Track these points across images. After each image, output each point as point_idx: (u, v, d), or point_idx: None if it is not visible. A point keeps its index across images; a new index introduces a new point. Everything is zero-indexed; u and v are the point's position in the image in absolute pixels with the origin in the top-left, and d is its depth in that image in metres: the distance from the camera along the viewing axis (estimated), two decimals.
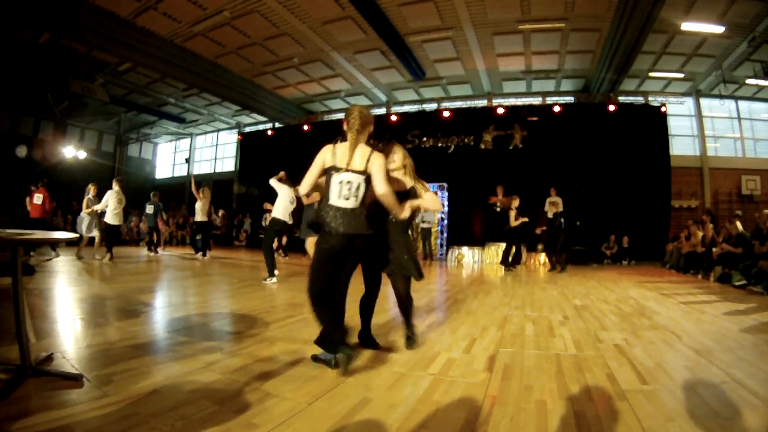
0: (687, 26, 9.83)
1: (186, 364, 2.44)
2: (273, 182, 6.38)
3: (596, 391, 2.20)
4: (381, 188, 2.51)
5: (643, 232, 12.02)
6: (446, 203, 13.07)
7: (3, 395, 1.85)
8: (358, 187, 2.48)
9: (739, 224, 7.87)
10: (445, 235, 13.33)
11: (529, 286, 6.75)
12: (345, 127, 2.57)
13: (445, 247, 13.13)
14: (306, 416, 1.85)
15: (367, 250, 2.61)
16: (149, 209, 10.85)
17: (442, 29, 10.79)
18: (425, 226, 12.30)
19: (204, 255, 9.91)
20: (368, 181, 2.52)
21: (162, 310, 4.05)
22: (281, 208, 6.41)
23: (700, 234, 9.15)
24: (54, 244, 8.52)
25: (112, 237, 8.54)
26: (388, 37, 10.76)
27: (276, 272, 6.34)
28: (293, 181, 6.47)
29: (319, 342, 2.51)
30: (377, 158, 2.53)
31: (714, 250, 8.19)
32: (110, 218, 8.22)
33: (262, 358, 2.61)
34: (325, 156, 2.51)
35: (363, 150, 2.53)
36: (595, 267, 10.81)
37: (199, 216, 10.02)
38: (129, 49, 11.11)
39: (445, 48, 11.79)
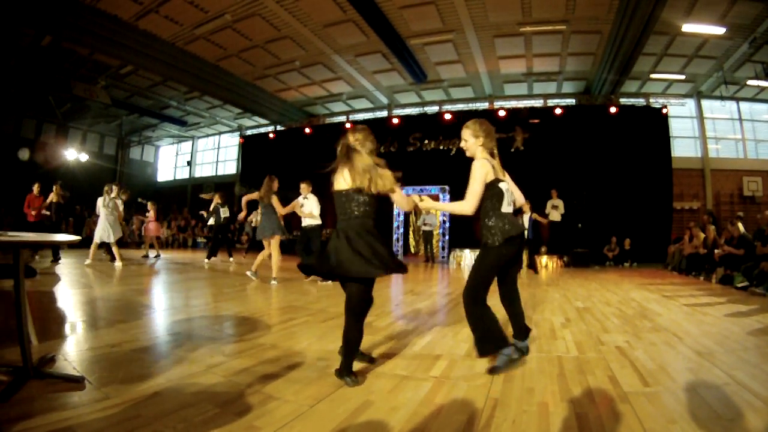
0: (688, 28, 9.84)
1: (187, 367, 2.44)
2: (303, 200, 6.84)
3: (598, 393, 2.20)
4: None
5: (645, 234, 12.00)
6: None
7: (5, 397, 1.85)
8: (511, 194, 2.70)
9: (741, 225, 7.86)
10: (447, 237, 13.33)
11: (531, 289, 6.74)
12: (483, 140, 2.63)
13: (446, 250, 13.12)
14: (308, 419, 1.85)
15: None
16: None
17: (444, 32, 10.81)
18: (426, 228, 12.30)
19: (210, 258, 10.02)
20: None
21: (163, 313, 4.06)
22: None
23: (702, 236, 9.12)
24: (57, 248, 8.50)
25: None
26: (389, 39, 10.79)
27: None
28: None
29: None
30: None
31: (716, 251, 8.16)
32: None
33: (263, 361, 2.61)
34: (488, 170, 2.57)
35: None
36: (597, 269, 10.79)
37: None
38: (131, 52, 11.16)
39: (447, 50, 11.82)
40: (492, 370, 2.50)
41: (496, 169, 2.61)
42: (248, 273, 6.77)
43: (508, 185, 2.67)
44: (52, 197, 8.53)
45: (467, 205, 2.54)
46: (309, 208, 6.83)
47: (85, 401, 1.90)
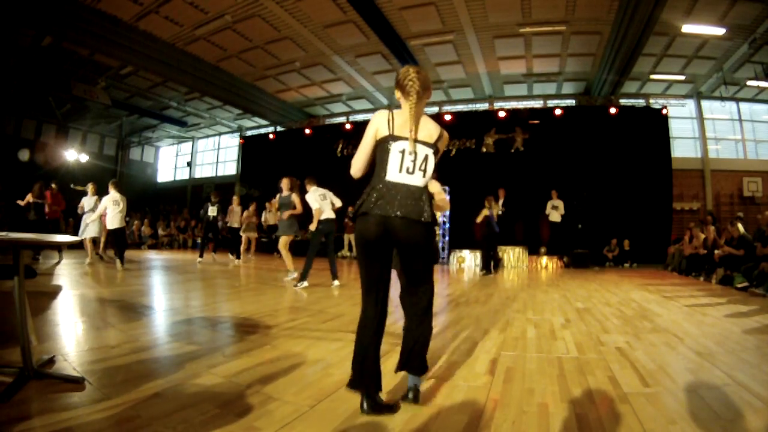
0: (688, 28, 9.85)
1: (188, 367, 2.44)
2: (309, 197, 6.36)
3: (598, 394, 2.20)
4: (434, 178, 2.09)
5: (645, 235, 12.01)
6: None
7: (5, 398, 1.85)
8: (424, 160, 2.02)
9: (741, 226, 7.85)
10: (447, 238, 13.32)
11: (531, 289, 6.74)
12: (398, 93, 2.04)
13: (446, 251, 13.12)
14: (308, 419, 1.85)
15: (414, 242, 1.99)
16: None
17: (444, 33, 10.83)
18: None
19: (238, 258, 10.26)
20: (435, 155, 2.07)
21: (164, 313, 4.06)
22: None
23: (702, 236, 9.12)
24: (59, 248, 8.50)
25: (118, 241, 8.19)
26: (389, 40, 10.80)
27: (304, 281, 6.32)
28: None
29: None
30: (445, 136, 2.12)
31: (716, 252, 8.16)
32: (110, 222, 8.04)
33: (263, 362, 2.61)
34: (378, 124, 2.03)
35: (428, 121, 2.08)
36: (597, 270, 10.79)
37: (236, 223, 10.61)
38: (131, 53, 11.16)
39: (447, 51, 11.83)
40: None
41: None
42: (288, 274, 6.65)
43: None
44: (29, 198, 8.60)
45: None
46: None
47: (85, 402, 1.89)
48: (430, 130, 2.06)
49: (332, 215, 6.31)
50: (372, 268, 2.00)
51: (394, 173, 1.98)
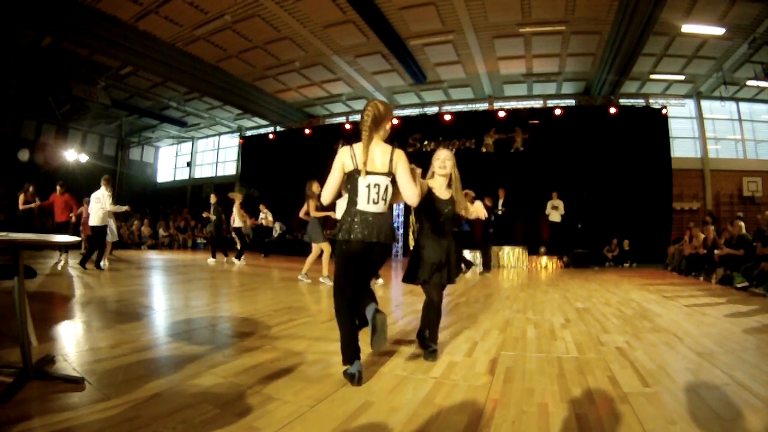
0: (687, 28, 9.84)
1: (187, 368, 2.44)
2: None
3: (598, 394, 2.20)
4: (411, 190, 2.35)
5: (645, 235, 12.01)
6: None
7: (5, 398, 1.85)
8: (385, 190, 2.35)
9: (742, 224, 7.85)
10: None
11: (531, 290, 6.75)
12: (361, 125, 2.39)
13: None
14: (307, 420, 1.85)
15: (382, 259, 2.48)
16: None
17: (443, 33, 10.82)
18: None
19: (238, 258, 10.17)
20: (394, 182, 2.38)
21: (163, 313, 4.06)
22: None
23: (701, 236, 9.13)
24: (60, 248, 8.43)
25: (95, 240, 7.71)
26: (389, 40, 10.79)
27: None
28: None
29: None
30: (401, 157, 2.37)
31: (716, 252, 8.17)
32: (91, 219, 7.75)
33: (263, 362, 2.61)
34: (344, 159, 2.34)
35: (383, 148, 2.37)
36: (597, 270, 10.79)
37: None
38: (130, 53, 11.15)
39: (446, 51, 11.82)
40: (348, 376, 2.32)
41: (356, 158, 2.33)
42: (300, 276, 6.82)
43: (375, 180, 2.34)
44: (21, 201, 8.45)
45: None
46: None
47: (85, 402, 1.89)
48: (384, 161, 2.36)
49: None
50: (348, 273, 2.39)
51: (363, 204, 2.33)
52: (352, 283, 2.39)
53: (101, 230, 7.64)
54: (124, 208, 8.33)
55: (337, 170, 2.35)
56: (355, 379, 2.26)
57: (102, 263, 7.54)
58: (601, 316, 4.43)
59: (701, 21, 9.57)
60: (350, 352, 2.32)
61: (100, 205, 7.55)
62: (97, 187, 7.63)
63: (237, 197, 10.36)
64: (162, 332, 3.32)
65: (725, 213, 12.95)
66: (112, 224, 8.55)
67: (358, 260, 2.36)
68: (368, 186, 2.31)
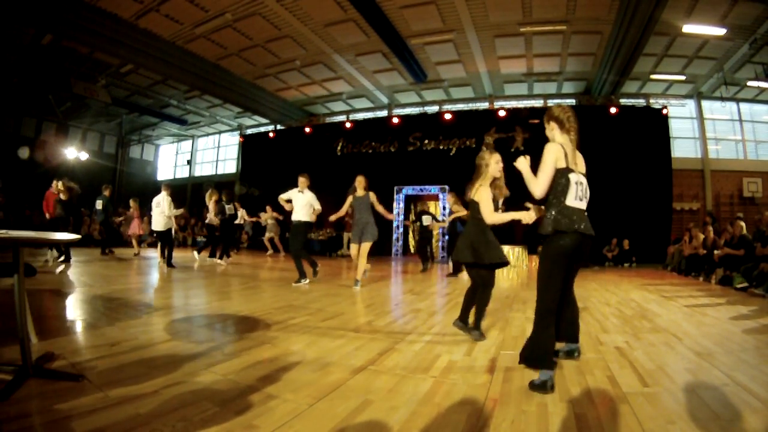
0: (688, 28, 9.84)
1: (187, 366, 2.44)
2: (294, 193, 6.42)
3: (597, 394, 2.20)
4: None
5: (645, 235, 12.00)
6: (448, 206, 13.09)
7: (4, 395, 1.85)
8: (586, 190, 2.56)
9: (743, 224, 7.85)
10: (447, 237, 13.32)
11: (530, 289, 6.74)
12: (559, 128, 2.55)
13: (446, 250, 13.12)
14: (307, 418, 1.85)
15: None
16: (98, 205, 10.08)
17: (444, 32, 10.81)
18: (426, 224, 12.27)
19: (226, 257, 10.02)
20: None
21: (163, 312, 4.05)
22: (302, 211, 6.36)
23: (701, 236, 9.13)
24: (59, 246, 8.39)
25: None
26: (389, 39, 10.79)
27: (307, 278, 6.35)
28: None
29: (528, 360, 2.49)
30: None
31: (716, 252, 8.17)
32: (155, 225, 8.25)
33: (263, 360, 2.61)
34: (558, 155, 2.44)
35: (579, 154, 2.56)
36: (597, 269, 10.79)
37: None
38: (131, 51, 11.15)
39: (447, 50, 11.82)
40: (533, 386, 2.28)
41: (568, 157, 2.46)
42: (355, 284, 6.12)
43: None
44: (61, 195, 8.31)
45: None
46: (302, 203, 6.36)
47: (84, 400, 1.89)
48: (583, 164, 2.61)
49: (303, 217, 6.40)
50: (564, 273, 2.49)
51: (572, 200, 2.49)
52: (564, 282, 2.45)
53: (166, 234, 8.12)
54: (181, 211, 8.40)
55: (550, 166, 2.45)
56: (549, 386, 2.22)
57: (172, 261, 7.96)
58: (600, 315, 4.44)
59: (702, 21, 9.56)
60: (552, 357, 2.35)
61: (160, 210, 7.74)
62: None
63: (214, 195, 10.11)
64: (161, 330, 3.32)
65: (725, 213, 12.95)
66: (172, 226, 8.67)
67: (575, 255, 2.49)
68: (577, 183, 2.49)
